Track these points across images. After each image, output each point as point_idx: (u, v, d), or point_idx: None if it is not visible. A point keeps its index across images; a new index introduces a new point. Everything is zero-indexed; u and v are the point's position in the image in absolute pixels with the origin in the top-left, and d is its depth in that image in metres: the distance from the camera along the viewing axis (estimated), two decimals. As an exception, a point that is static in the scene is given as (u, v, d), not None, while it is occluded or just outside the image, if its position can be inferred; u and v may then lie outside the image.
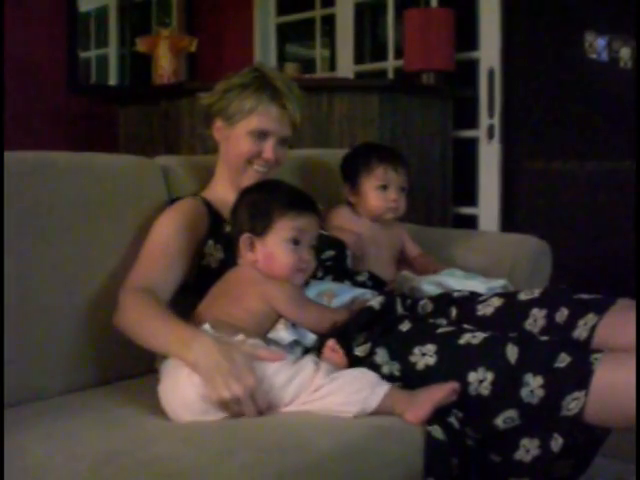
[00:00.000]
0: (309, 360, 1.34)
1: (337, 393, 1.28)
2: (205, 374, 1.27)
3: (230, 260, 1.56)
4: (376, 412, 1.28)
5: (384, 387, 1.29)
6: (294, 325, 1.45)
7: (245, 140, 1.70)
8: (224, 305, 1.45)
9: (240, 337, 1.35)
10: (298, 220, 1.47)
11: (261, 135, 1.70)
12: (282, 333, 1.42)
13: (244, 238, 1.48)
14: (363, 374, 1.32)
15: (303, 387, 1.29)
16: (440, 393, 1.30)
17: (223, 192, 1.74)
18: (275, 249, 1.46)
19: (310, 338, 1.44)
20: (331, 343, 1.39)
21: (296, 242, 1.47)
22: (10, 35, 3.10)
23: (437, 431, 1.27)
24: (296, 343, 1.43)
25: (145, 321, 1.42)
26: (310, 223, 1.50)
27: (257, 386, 1.26)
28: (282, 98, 1.71)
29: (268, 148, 1.71)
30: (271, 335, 1.42)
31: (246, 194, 1.55)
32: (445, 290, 1.74)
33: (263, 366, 1.30)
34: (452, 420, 1.31)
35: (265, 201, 1.49)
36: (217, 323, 1.40)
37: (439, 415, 1.29)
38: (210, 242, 1.64)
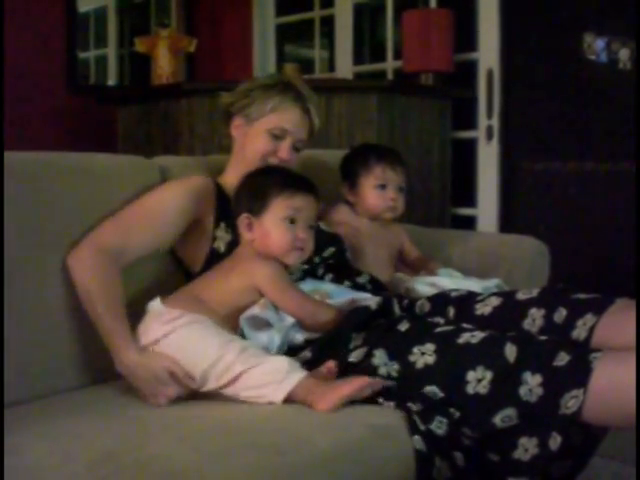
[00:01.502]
0: (235, 345, 1.36)
1: (250, 387, 1.32)
2: (133, 384, 1.41)
3: (236, 242, 1.59)
4: (289, 399, 1.30)
5: (296, 377, 1.31)
6: (276, 309, 1.46)
7: (263, 138, 1.73)
8: (210, 280, 1.51)
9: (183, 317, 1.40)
10: (294, 199, 1.51)
11: (279, 134, 1.73)
12: (256, 310, 1.44)
13: (242, 218, 1.52)
14: (279, 362, 1.34)
15: (224, 371, 1.33)
16: (349, 387, 1.31)
17: (234, 182, 1.74)
18: (271, 228, 1.50)
19: (289, 321, 1.46)
20: (331, 364, 1.39)
21: (292, 221, 1.50)
22: (9, 35, 3.10)
23: (417, 442, 1.28)
24: (276, 330, 1.44)
25: (96, 300, 1.45)
26: (306, 202, 1.53)
27: (179, 391, 1.37)
28: (305, 102, 1.76)
29: (284, 148, 1.73)
30: (246, 314, 1.44)
31: (246, 179, 1.60)
32: (439, 290, 1.74)
33: (190, 350, 1.37)
34: (434, 427, 1.31)
35: (262, 182, 1.55)
36: (191, 299, 1.46)
37: (423, 423, 1.30)
38: (222, 224, 1.65)
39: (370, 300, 1.54)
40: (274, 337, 1.43)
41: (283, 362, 1.34)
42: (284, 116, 1.73)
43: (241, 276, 1.48)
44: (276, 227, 1.50)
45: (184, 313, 1.41)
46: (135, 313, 1.48)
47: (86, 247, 1.51)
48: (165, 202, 1.62)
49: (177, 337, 1.39)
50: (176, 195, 1.63)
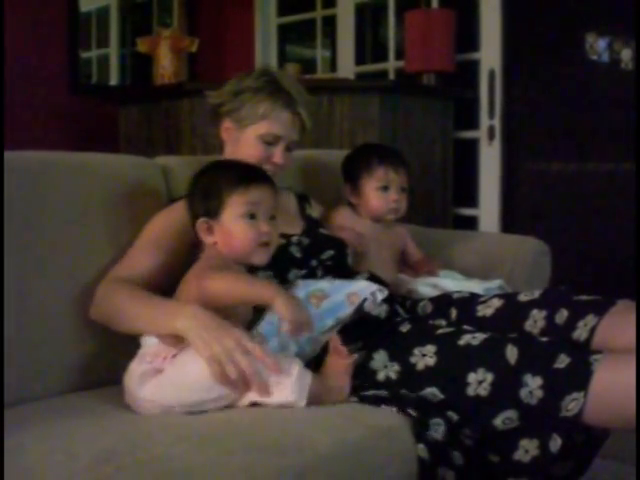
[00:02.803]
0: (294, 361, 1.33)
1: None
2: (195, 334, 1.28)
3: None
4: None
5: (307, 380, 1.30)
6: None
7: (255, 144, 1.71)
8: (180, 293, 1.42)
9: None
10: (250, 193, 1.44)
11: (271, 141, 1.71)
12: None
13: (200, 223, 1.45)
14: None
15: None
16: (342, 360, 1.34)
17: None
18: (231, 227, 1.43)
19: (289, 353, 1.41)
20: (335, 342, 1.38)
21: (252, 216, 1.43)
22: (11, 35, 3.10)
23: (422, 450, 1.28)
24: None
25: (125, 307, 1.42)
26: (263, 194, 1.45)
27: (245, 339, 1.28)
28: (295, 105, 1.72)
29: (278, 153, 1.72)
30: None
31: (195, 180, 1.51)
32: (441, 292, 1.74)
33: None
34: (432, 431, 1.30)
35: (213, 182, 1.46)
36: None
37: (422, 430, 1.30)
38: None
39: (379, 309, 1.53)
40: (290, 345, 1.41)
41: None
42: (275, 122, 1.70)
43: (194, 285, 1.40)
44: (237, 225, 1.43)
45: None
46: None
47: (97, 289, 1.50)
48: (162, 232, 1.58)
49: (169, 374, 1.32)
50: (169, 224, 1.59)
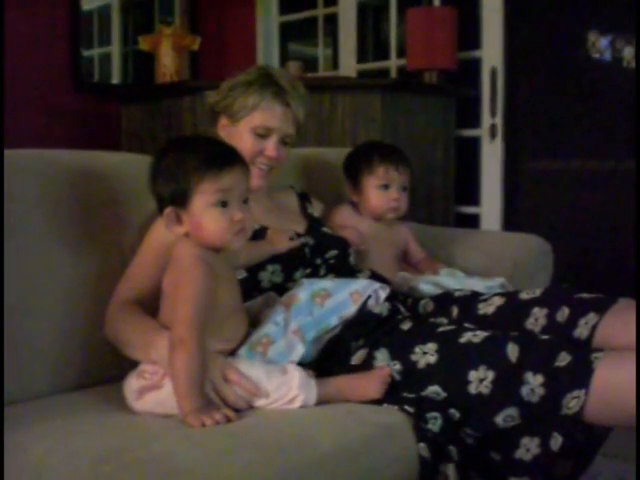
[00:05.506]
0: (295, 370, 1.33)
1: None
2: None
3: None
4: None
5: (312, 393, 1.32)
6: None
7: (248, 137, 1.69)
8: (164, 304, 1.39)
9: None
10: (220, 180, 1.31)
11: (264, 132, 1.69)
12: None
13: (167, 213, 1.34)
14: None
15: (282, 395, 1.31)
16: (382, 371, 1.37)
17: None
18: (201, 217, 1.32)
19: (297, 354, 1.40)
20: (388, 371, 1.38)
21: (224, 204, 1.32)
22: (12, 33, 3.10)
23: (423, 449, 1.27)
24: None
25: (125, 335, 1.41)
26: (235, 178, 1.33)
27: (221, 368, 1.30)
28: (286, 96, 1.70)
29: (270, 146, 1.70)
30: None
31: (158, 159, 1.37)
32: (443, 290, 1.74)
33: (254, 371, 1.32)
34: (430, 425, 1.30)
35: (179, 166, 1.33)
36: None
37: (419, 425, 1.30)
38: None
39: (381, 306, 1.53)
40: (297, 346, 1.41)
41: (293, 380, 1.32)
42: (266, 113, 1.68)
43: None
44: (207, 216, 1.32)
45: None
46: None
47: (107, 308, 1.48)
48: (164, 242, 1.50)
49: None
50: (166, 235, 1.48)
